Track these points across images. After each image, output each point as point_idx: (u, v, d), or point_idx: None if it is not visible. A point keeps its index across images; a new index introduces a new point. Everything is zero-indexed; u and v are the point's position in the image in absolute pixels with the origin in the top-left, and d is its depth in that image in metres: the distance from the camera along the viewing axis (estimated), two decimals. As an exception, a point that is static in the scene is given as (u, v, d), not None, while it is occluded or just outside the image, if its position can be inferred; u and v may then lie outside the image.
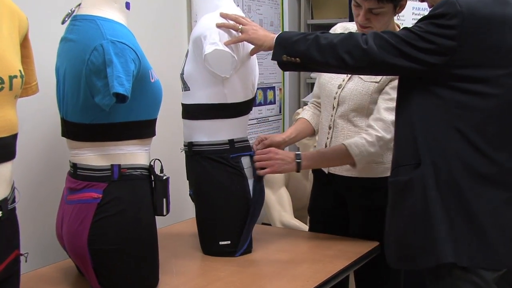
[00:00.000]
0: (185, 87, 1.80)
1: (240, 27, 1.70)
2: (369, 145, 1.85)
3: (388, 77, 1.87)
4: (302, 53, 1.55)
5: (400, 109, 1.57)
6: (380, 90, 1.91)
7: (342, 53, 1.49)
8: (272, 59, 1.62)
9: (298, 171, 1.88)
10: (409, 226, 1.49)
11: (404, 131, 1.53)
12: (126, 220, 1.50)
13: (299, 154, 1.88)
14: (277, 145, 1.98)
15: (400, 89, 1.58)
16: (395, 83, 1.80)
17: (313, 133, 2.14)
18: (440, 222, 1.43)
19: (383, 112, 1.86)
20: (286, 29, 3.12)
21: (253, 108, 2.32)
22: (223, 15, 1.71)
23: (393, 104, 1.79)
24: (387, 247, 1.60)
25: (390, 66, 1.47)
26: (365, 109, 1.92)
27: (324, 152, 1.92)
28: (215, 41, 1.67)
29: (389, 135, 1.84)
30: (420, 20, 1.47)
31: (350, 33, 1.53)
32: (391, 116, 1.83)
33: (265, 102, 3.03)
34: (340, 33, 1.55)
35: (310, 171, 2.55)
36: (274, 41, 1.61)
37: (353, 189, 2.00)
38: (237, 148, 1.81)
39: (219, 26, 1.69)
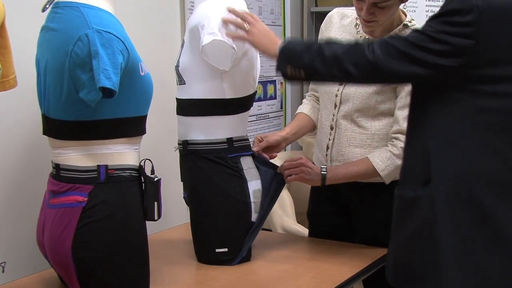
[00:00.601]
0: (180, 81, 1.80)
1: (247, 27, 1.69)
2: (396, 157, 1.84)
3: None
4: (306, 65, 1.52)
5: (413, 118, 1.52)
6: (389, 90, 1.89)
7: (347, 65, 1.46)
8: (276, 70, 1.61)
9: (323, 184, 1.89)
10: (412, 247, 1.47)
11: (416, 143, 1.49)
12: (114, 226, 1.50)
13: (324, 167, 1.90)
14: (275, 145, 1.98)
15: (413, 97, 1.54)
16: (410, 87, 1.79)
17: (314, 128, 2.14)
18: (448, 248, 1.40)
19: (404, 123, 1.81)
20: (288, 18, 3.11)
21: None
22: (231, 11, 1.70)
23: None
24: (387, 261, 1.60)
25: (401, 74, 1.43)
26: (371, 110, 1.90)
27: (348, 165, 1.91)
28: (213, 31, 1.66)
29: None
30: (430, 19, 1.41)
31: (356, 42, 1.51)
32: None
33: (265, 97, 3.02)
34: (346, 43, 1.52)
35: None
36: (278, 51, 1.59)
37: (358, 191, 1.98)
38: (236, 147, 1.81)
39: (225, 21, 1.68)
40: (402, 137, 1.83)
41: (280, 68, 1.58)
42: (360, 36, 1.94)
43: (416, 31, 1.44)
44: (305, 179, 1.90)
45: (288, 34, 3.14)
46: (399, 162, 1.80)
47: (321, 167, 1.90)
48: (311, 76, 1.56)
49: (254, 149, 1.91)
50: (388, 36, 1.48)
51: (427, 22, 1.43)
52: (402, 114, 1.84)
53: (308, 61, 1.51)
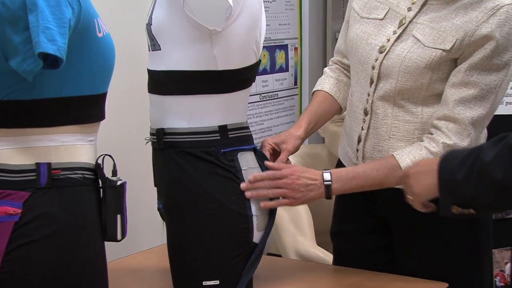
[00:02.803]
0: (153, 45, 1.81)
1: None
2: (433, 157, 1.83)
3: (470, 47, 1.85)
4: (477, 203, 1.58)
5: None
6: (449, 65, 1.89)
7: None
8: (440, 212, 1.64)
9: (328, 197, 1.90)
10: None
11: None
12: (59, 249, 1.50)
13: (328, 172, 1.89)
14: (295, 151, 2.03)
15: None
16: (478, 58, 1.80)
17: (340, 110, 2.18)
18: None
19: (456, 106, 1.85)
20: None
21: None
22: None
23: (473, 92, 1.82)
24: None
25: None
26: (422, 89, 1.91)
27: (365, 169, 1.92)
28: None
29: (465, 141, 1.86)
30: None
31: None
32: (469, 112, 1.85)
33: (273, 69, 3.03)
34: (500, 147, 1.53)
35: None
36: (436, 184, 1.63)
37: (401, 206, 1.96)
38: (231, 139, 1.82)
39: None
40: (449, 127, 1.84)
41: (444, 210, 1.63)
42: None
43: None
44: (296, 200, 1.88)
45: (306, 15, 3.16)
46: None
47: (323, 172, 1.89)
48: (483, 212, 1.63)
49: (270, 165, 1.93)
50: None
51: None
52: (456, 94, 1.86)
53: (473, 193, 1.55)
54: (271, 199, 1.86)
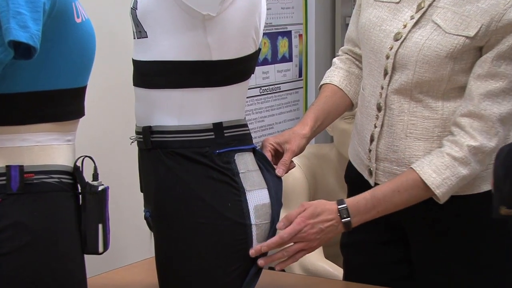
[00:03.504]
0: (139, 32, 1.81)
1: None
2: (459, 164, 1.85)
3: (497, 33, 1.85)
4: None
5: None
6: (474, 54, 1.88)
7: None
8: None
9: (350, 232, 1.93)
10: None
11: None
12: (32, 263, 1.50)
13: (343, 205, 1.89)
14: (301, 152, 2.03)
15: None
16: (506, 46, 1.80)
17: (351, 106, 2.18)
18: None
19: (482, 101, 1.85)
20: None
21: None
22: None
23: (501, 85, 1.82)
24: None
25: None
26: (443, 82, 1.91)
27: (384, 192, 1.91)
28: None
29: (493, 141, 1.85)
30: None
31: None
32: (496, 108, 1.84)
33: (275, 59, 3.04)
34: None
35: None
36: None
37: (420, 213, 1.99)
38: (227, 138, 1.83)
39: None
40: (473, 126, 1.84)
41: (494, 211, 1.59)
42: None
43: None
44: (314, 248, 1.91)
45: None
46: (464, 171, 1.85)
47: (338, 207, 1.88)
48: None
49: (279, 173, 1.93)
50: None
51: None
52: (482, 87, 1.85)
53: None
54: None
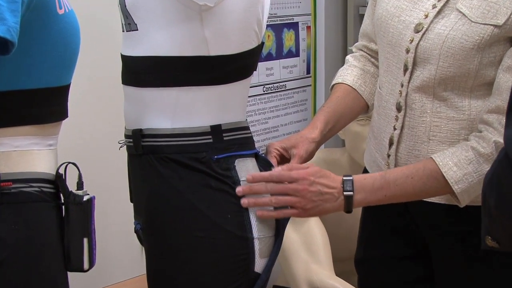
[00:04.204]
0: (129, 25, 1.82)
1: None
2: (484, 160, 1.85)
3: None
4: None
5: None
6: (503, 45, 1.88)
7: None
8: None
9: (348, 211, 1.89)
10: None
11: None
12: (11, 281, 1.51)
13: (349, 179, 1.88)
14: (310, 158, 2.03)
15: None
16: None
17: (366, 109, 2.19)
18: None
19: None
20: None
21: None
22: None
23: None
24: None
25: None
26: (470, 77, 1.91)
27: (397, 176, 1.91)
28: None
29: None
30: None
31: None
32: None
33: (279, 54, 3.04)
34: None
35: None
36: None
37: (444, 226, 2.00)
38: (227, 142, 1.84)
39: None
40: (503, 122, 1.80)
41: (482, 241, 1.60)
42: None
43: None
44: (306, 211, 1.88)
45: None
46: (488, 168, 1.79)
47: (343, 178, 1.88)
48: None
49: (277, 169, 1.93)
50: None
51: None
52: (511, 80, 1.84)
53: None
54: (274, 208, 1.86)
